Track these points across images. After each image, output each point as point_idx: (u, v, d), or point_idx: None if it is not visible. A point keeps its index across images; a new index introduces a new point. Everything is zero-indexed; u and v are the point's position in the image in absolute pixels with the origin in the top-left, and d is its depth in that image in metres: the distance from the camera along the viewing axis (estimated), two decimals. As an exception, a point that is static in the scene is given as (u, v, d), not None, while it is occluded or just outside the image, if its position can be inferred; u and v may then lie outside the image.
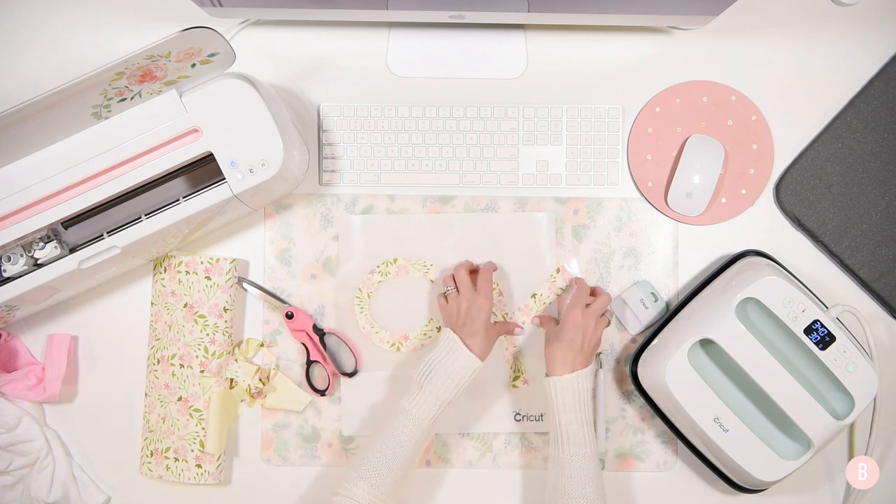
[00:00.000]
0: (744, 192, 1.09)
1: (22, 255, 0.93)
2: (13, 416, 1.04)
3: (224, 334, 1.05)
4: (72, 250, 0.96)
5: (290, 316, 1.06)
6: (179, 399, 1.04)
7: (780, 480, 0.96)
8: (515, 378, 1.07)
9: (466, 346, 0.96)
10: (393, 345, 1.08)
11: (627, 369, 1.04)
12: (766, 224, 1.09)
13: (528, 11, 1.00)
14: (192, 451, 1.03)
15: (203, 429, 1.03)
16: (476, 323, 0.97)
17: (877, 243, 1.07)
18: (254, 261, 1.09)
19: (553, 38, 1.11)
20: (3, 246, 0.92)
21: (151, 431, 1.06)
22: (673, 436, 1.05)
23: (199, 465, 1.03)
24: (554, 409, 0.96)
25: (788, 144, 1.09)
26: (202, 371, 1.04)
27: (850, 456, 1.07)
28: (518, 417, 1.07)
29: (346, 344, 1.07)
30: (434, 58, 1.10)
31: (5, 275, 0.94)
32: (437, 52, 1.10)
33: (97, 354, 1.08)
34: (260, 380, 1.06)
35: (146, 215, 0.95)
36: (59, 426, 1.08)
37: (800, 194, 1.07)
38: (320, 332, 1.07)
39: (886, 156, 1.07)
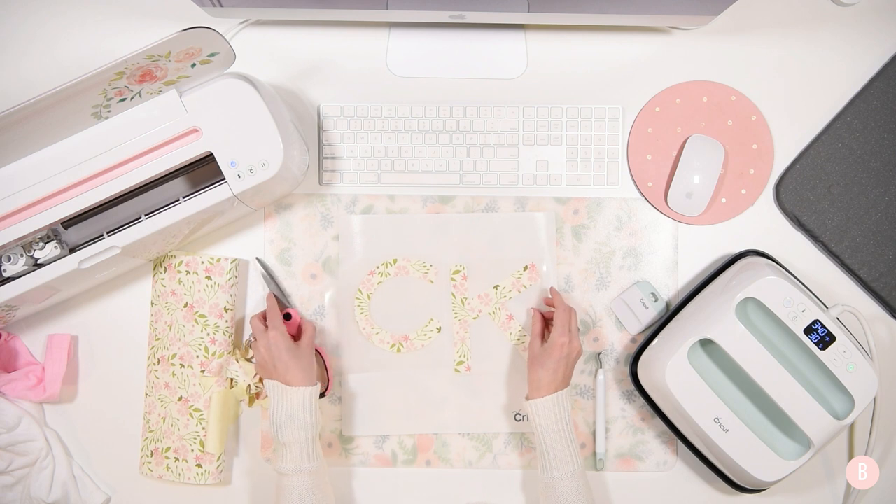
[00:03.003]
0: (744, 192, 1.09)
1: (22, 255, 0.93)
2: (13, 416, 1.04)
3: (224, 334, 1.05)
4: (72, 250, 0.96)
5: (287, 317, 1.06)
6: (180, 399, 1.04)
7: (780, 480, 0.96)
8: (459, 363, 1.06)
9: (288, 383, 0.95)
10: (393, 345, 1.07)
11: (627, 369, 1.04)
12: (766, 224, 1.09)
13: (528, 11, 1.00)
14: (193, 450, 1.03)
15: (203, 429, 1.03)
16: (281, 357, 0.96)
17: (877, 243, 1.07)
18: (254, 261, 1.09)
19: (553, 38, 1.11)
20: (3, 246, 0.92)
21: (152, 431, 1.06)
22: (673, 436, 1.05)
23: (199, 465, 1.03)
24: (538, 431, 0.97)
25: (788, 144, 1.09)
26: (202, 371, 1.04)
27: (850, 456, 1.07)
28: (518, 417, 1.07)
29: (324, 361, 1.06)
30: (434, 58, 1.10)
31: (5, 275, 0.94)
32: (437, 52, 1.10)
33: (97, 354, 1.08)
34: (260, 380, 1.06)
35: (146, 215, 0.95)
36: (59, 426, 1.08)
37: (800, 194, 1.07)
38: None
39: (886, 156, 1.07)
